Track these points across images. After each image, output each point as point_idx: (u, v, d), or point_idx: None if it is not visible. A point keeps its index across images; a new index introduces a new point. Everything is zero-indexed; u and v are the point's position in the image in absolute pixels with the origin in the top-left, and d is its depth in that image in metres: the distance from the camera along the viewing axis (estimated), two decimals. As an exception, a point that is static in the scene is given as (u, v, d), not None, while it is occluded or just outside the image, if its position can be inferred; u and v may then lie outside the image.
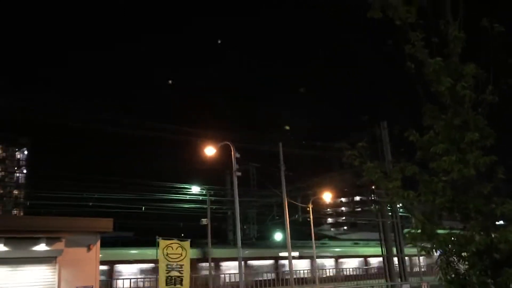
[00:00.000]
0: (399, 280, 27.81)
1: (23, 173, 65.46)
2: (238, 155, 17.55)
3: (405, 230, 8.18)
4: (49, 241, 12.74)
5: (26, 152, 66.14)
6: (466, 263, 6.47)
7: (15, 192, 62.14)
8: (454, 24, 6.75)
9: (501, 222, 6.73)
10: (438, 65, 6.56)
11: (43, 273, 12.92)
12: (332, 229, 57.40)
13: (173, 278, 14.24)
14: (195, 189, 31.66)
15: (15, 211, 51.48)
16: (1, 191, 61.05)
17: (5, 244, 12.24)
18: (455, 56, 6.67)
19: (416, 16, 6.78)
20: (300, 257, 28.25)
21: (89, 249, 13.63)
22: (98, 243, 13.94)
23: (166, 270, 14.16)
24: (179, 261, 14.44)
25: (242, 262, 16.80)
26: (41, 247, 12.64)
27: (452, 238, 6.54)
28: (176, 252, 14.45)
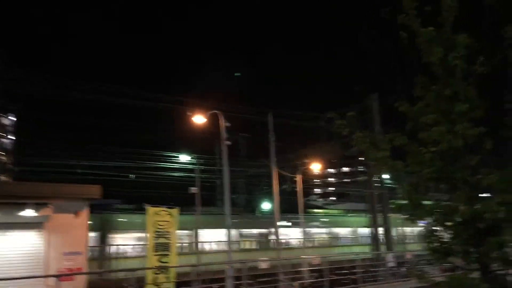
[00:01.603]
0: (385, 249, 28.33)
1: (12, 139, 64.89)
2: (227, 124, 17.49)
3: (392, 201, 8.28)
4: (37, 207, 12.72)
5: (14, 118, 65.35)
6: (451, 232, 6.57)
7: (4, 158, 61.72)
8: (448, -8, 6.65)
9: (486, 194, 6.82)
10: (430, 35, 6.50)
11: (31, 239, 12.95)
12: (320, 199, 58.02)
13: (161, 244, 14.35)
14: (185, 158, 31.69)
15: (3, 177, 51.24)
16: (-11, 157, 60.54)
17: (-7, 209, 12.22)
18: (447, 26, 6.60)
19: (410, -16, 6.66)
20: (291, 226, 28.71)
21: (77, 215, 13.64)
22: (87, 210, 13.95)
23: (155, 237, 14.26)
24: (168, 228, 14.53)
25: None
26: (29, 212, 12.62)
27: (438, 208, 6.62)
28: (164, 219, 14.52)
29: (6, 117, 65.15)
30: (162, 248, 14.28)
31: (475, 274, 6.62)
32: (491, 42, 6.51)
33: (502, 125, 6.67)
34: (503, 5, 6.50)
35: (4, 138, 64.69)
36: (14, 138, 64.02)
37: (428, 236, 6.74)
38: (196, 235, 23.64)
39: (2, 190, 13.23)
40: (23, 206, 12.55)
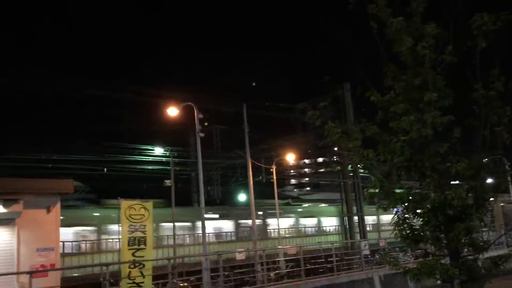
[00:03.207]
0: (359, 237, 28.76)
1: (-21, 134, 63.21)
2: (201, 116, 17.37)
3: (365, 190, 8.39)
4: (7, 202, 12.41)
5: (-18, 113, 63.67)
6: (421, 219, 6.71)
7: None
8: (417, -17, 6.73)
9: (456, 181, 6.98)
10: (399, 25, 6.58)
11: (2, 235, 12.66)
12: (295, 190, 58.39)
13: (136, 238, 14.21)
14: (159, 150, 31.39)
15: (-28, 174, 49.96)
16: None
17: (-40, 206, 11.89)
18: (417, 16, 6.68)
19: (379, -26, 6.72)
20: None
21: (48, 211, 13.38)
22: (59, 205, 13.69)
23: (129, 231, 14.11)
24: (142, 222, 14.40)
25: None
26: (-1, 209, 12.34)
27: (409, 196, 6.74)
28: (139, 213, 14.37)
29: (-27, 112, 63.41)
30: (138, 242, 14.16)
31: (446, 260, 6.78)
32: (459, 31, 6.62)
33: (470, 114, 6.81)
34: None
35: (-28, 133, 63.00)
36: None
37: (399, 223, 6.86)
38: (174, 228, 23.50)
39: (-30, 187, 12.85)
40: (-8, 203, 12.26)
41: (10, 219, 12.68)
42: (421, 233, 6.71)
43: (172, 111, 17.51)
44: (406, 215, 6.83)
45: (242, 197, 39.08)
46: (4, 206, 12.37)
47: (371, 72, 7.19)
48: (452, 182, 6.88)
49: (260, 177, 34.60)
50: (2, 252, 12.54)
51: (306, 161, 75.38)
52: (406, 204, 6.70)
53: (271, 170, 28.04)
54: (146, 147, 31.72)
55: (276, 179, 27.27)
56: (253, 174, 23.42)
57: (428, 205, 6.47)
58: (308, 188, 64.12)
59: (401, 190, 6.88)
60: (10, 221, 12.69)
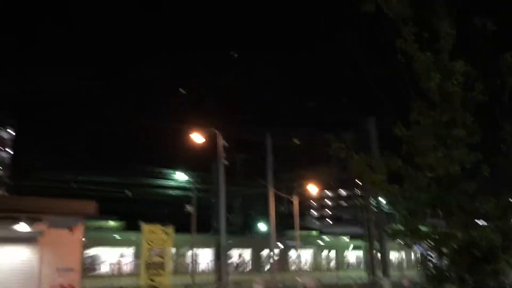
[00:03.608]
0: (381, 273, 28.09)
1: (7, 152, 64.77)
2: (225, 144, 17.49)
3: (389, 226, 8.25)
4: (31, 221, 12.59)
5: (12, 133, 65.39)
6: (447, 259, 6.52)
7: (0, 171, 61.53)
8: (446, 20, 6.73)
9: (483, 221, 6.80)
10: (428, 61, 6.55)
11: (24, 253, 12.81)
12: (316, 222, 57.68)
13: (155, 263, 14.21)
14: (182, 176, 31.60)
15: (-1, 191, 50.99)
16: (-15, 171, 60.39)
17: (-14, 223, 12.11)
18: (445, 53, 6.66)
19: (408, 10, 6.75)
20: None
21: (71, 231, 13.51)
22: (81, 226, 13.83)
23: (148, 255, 14.13)
24: (162, 246, 14.40)
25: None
26: (23, 227, 12.50)
27: (434, 234, 6.59)
28: (159, 238, 14.41)
29: (5, 131, 65.15)
30: (155, 266, 14.14)
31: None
32: (489, 69, 6.57)
33: (498, 152, 6.68)
34: (501, 32, 6.58)
35: (2, 152, 64.56)
36: (11, 152, 63.96)
37: (424, 262, 6.69)
38: (193, 255, 23.43)
39: (-4, 204, 13.12)
40: (17, 221, 12.44)
41: (33, 238, 12.85)
42: (447, 274, 6.51)
43: (197, 138, 17.68)
44: (431, 254, 6.66)
45: (262, 226, 38.80)
46: (29, 225, 12.55)
47: (398, 106, 7.15)
48: (479, 222, 6.71)
49: (282, 207, 34.37)
50: (24, 270, 12.67)
51: (329, 193, 74.67)
52: (431, 242, 6.54)
53: (293, 200, 27.86)
54: (169, 172, 31.98)
55: (298, 210, 27.04)
56: (275, 204, 23.28)
57: (454, 245, 6.30)
58: (329, 221, 63.31)
59: (426, 228, 6.73)
60: (33, 240, 12.86)
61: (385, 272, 28.26)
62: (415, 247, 6.90)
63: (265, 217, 34.52)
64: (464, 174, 6.46)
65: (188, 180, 30.89)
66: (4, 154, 64.89)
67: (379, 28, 6.99)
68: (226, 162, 17.55)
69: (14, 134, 64.62)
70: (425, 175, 6.48)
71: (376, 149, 27.89)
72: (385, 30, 6.99)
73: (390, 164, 6.78)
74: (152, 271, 14.15)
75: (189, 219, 24.83)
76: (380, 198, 24.81)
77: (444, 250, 6.52)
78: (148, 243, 14.42)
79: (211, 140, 18.09)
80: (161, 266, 14.44)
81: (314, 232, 37.73)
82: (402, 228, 6.67)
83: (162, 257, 14.39)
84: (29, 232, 12.68)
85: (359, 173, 7.03)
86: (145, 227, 14.56)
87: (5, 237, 12.55)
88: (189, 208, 24.66)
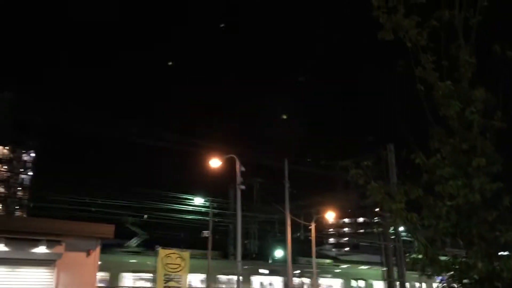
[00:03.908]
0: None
1: (29, 175, 65.71)
2: (243, 169, 17.52)
3: (408, 255, 8.13)
4: (49, 243, 12.72)
5: (33, 155, 66.47)
6: (467, 290, 6.38)
7: (20, 193, 62.35)
8: (465, 48, 6.75)
9: (504, 252, 6.65)
10: (447, 89, 6.55)
11: (42, 276, 12.89)
12: (333, 249, 56.92)
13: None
14: (198, 200, 31.62)
15: (18, 212, 51.58)
16: (6, 192, 61.27)
17: (5, 245, 12.24)
18: (464, 81, 6.66)
19: (427, 38, 6.79)
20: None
21: (88, 254, 13.58)
22: (98, 249, 13.90)
23: (164, 280, 14.08)
24: (178, 271, 14.35)
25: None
26: (41, 249, 12.62)
27: (454, 264, 6.46)
28: (175, 262, 14.37)
29: (27, 153, 66.28)
30: (171, 291, 14.09)
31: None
32: (508, 96, 6.53)
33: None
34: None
35: (23, 174, 65.53)
36: (31, 174, 64.90)
37: (444, 292, 6.56)
38: (208, 280, 23.23)
39: (15, 226, 13.29)
40: (35, 243, 12.57)
41: (51, 260, 12.94)
42: (467, 305, 6.37)
43: (215, 163, 17.75)
44: (452, 285, 6.52)
45: (279, 253, 38.41)
46: (47, 247, 12.66)
47: (417, 134, 7.12)
48: (501, 253, 6.57)
49: (298, 234, 34.06)
50: (40, 293, 12.73)
51: (346, 220, 73.80)
52: (451, 272, 6.41)
53: (310, 227, 27.60)
54: (185, 196, 32.04)
55: (315, 237, 26.76)
56: (291, 231, 23.10)
57: (475, 276, 6.17)
58: (347, 249, 62.42)
59: (445, 257, 6.61)
60: (51, 262, 12.95)
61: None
62: (436, 278, 6.78)
63: (282, 244, 34.21)
64: (485, 203, 6.37)
65: (205, 205, 30.90)
66: (25, 176, 65.87)
67: (397, 56, 7.03)
68: (243, 187, 17.54)
69: (35, 156, 65.69)
70: (444, 204, 6.41)
71: (395, 177, 27.59)
72: (403, 58, 7.02)
73: (409, 192, 6.72)
74: (167, 296, 14.07)
75: (205, 244, 24.74)
76: (398, 226, 24.45)
77: (465, 280, 6.39)
78: (164, 268, 14.37)
79: (229, 165, 18.15)
80: (176, 291, 14.36)
81: (327, 261, 37.09)
82: (421, 256, 6.57)
83: (178, 282, 14.32)
84: (47, 254, 12.78)
85: (378, 200, 6.98)
86: (161, 251, 14.55)
87: (23, 259, 12.66)
88: (206, 233, 24.59)
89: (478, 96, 6.43)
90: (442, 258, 6.62)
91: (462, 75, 6.68)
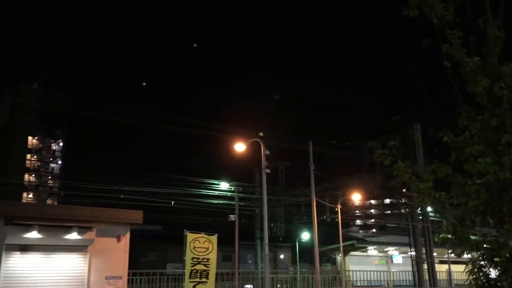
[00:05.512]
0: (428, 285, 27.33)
1: (58, 164, 67.21)
2: (267, 152, 17.54)
3: (436, 235, 8.05)
4: (81, 230, 13.00)
5: (61, 144, 67.87)
6: (498, 268, 6.31)
7: (50, 182, 63.91)
8: (493, 22, 6.57)
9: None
10: (475, 65, 6.40)
11: (74, 261, 13.21)
12: (360, 231, 56.73)
13: (198, 271, 14.36)
14: (224, 185, 31.87)
15: (49, 201, 52.93)
16: (37, 181, 62.87)
17: (39, 232, 12.57)
18: (493, 56, 6.49)
19: (453, 14, 6.62)
20: None
21: (119, 240, 13.86)
22: (128, 235, 14.17)
23: (192, 263, 14.30)
24: (206, 254, 14.56)
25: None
26: (73, 235, 12.91)
27: (485, 243, 6.39)
28: (203, 246, 14.56)
29: (56, 143, 67.73)
30: (200, 275, 14.29)
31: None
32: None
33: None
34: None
35: (52, 163, 67.08)
36: (60, 162, 66.38)
37: (474, 272, 6.49)
38: (238, 263, 23.58)
39: (48, 213, 13.62)
40: (68, 230, 12.87)
41: (83, 246, 13.25)
42: (498, 283, 6.29)
43: (240, 147, 17.81)
44: (482, 263, 6.45)
45: (305, 235, 38.52)
46: (79, 233, 12.96)
47: (444, 111, 7.00)
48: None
49: (324, 216, 34.06)
50: (74, 278, 13.07)
51: (373, 201, 73.32)
52: (482, 251, 6.34)
53: (336, 209, 27.56)
54: (211, 182, 32.32)
55: (341, 219, 26.73)
56: (317, 213, 23.12)
57: (506, 254, 6.08)
58: (374, 230, 62.13)
59: (475, 236, 6.53)
60: (83, 248, 13.26)
61: (433, 284, 27.47)
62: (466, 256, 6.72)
63: (308, 226, 34.27)
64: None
65: (231, 189, 31.13)
66: (54, 165, 67.44)
67: (423, 32, 6.89)
68: (268, 171, 17.57)
69: (63, 145, 67.04)
70: (473, 182, 6.31)
71: (422, 156, 27.25)
72: (429, 35, 6.88)
73: (437, 171, 6.64)
74: (195, 279, 14.30)
75: (232, 228, 25.02)
76: (426, 206, 24.20)
77: (496, 259, 6.31)
78: (192, 251, 14.60)
79: (254, 149, 18.19)
80: (204, 274, 14.59)
81: (357, 242, 36.96)
82: (450, 236, 6.51)
83: (206, 265, 14.53)
84: (79, 240, 13.09)
85: (405, 180, 6.92)
86: (189, 235, 14.76)
87: (57, 245, 12.99)
88: (232, 217, 24.82)
89: (507, 71, 6.27)
90: (472, 237, 6.54)
91: (491, 50, 6.51)
